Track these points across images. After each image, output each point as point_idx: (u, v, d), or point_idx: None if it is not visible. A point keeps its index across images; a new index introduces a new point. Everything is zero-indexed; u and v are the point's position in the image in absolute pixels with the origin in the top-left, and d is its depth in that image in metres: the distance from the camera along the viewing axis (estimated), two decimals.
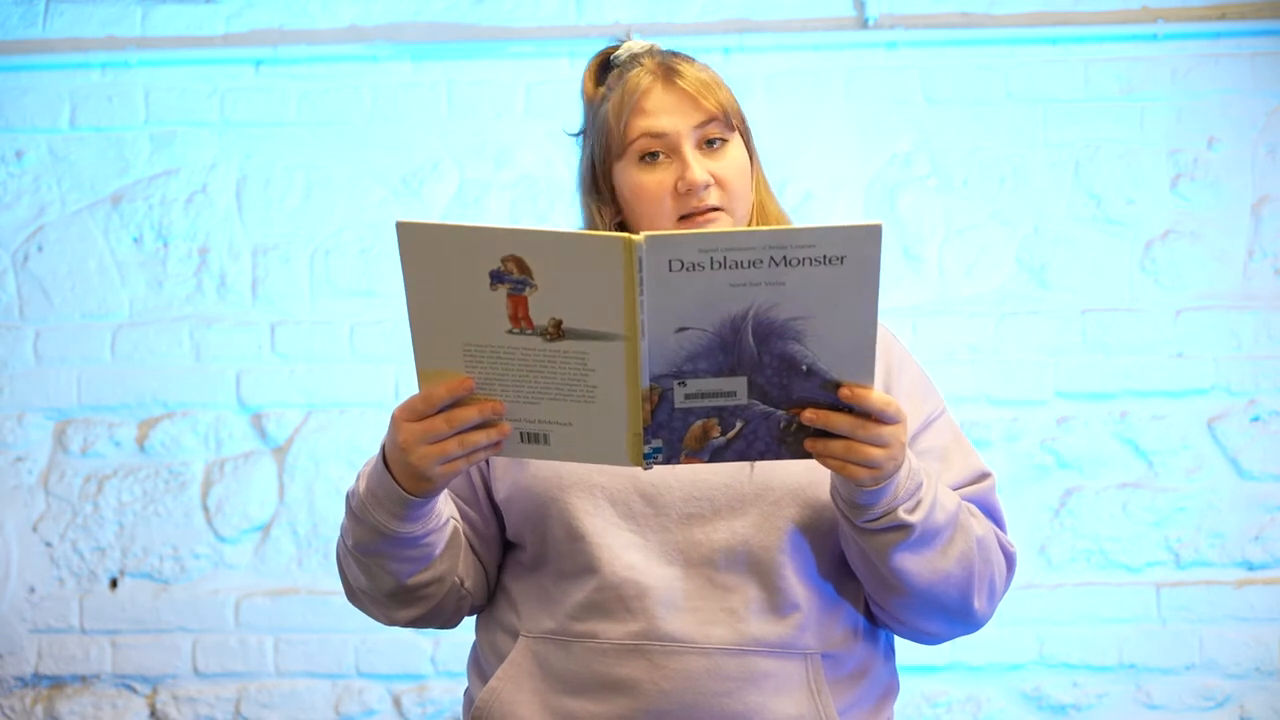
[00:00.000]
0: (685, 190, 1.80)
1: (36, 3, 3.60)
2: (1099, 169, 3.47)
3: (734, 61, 3.47)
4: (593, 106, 1.89)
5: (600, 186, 1.88)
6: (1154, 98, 3.47)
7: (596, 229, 1.87)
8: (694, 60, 1.88)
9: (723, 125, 1.83)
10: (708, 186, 1.81)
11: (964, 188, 3.48)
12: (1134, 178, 3.46)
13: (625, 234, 1.49)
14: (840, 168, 3.48)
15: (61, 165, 3.58)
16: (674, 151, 1.81)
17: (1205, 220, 3.46)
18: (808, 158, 3.44)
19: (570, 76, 3.52)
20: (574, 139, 1.95)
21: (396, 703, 3.47)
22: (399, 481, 1.67)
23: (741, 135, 1.87)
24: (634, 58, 1.88)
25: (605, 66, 1.91)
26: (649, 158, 1.82)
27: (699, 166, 1.80)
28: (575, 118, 3.47)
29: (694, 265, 1.50)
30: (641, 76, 1.84)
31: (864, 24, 3.50)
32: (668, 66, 1.84)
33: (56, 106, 3.58)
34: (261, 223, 3.55)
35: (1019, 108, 3.48)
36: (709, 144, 1.83)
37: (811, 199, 3.45)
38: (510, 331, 1.54)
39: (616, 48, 1.91)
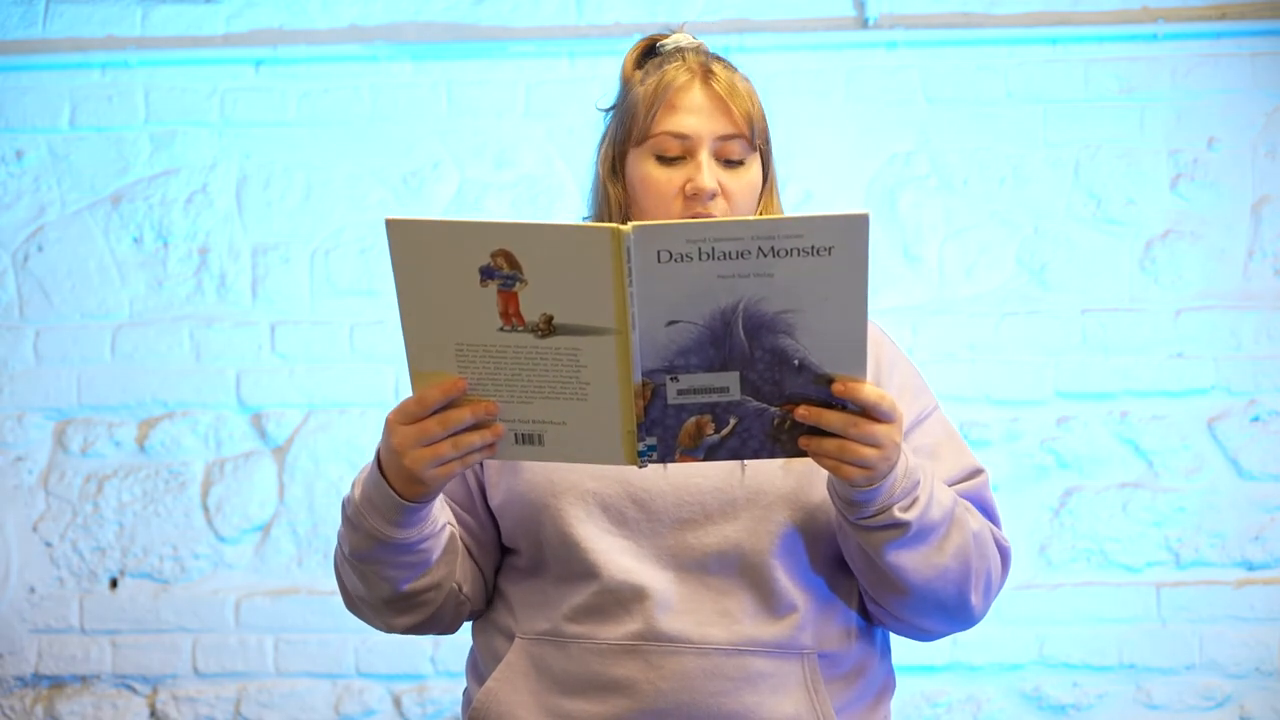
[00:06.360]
0: (691, 194, 1.80)
1: (36, 3, 3.60)
2: (1099, 169, 3.46)
3: (734, 62, 3.47)
4: (627, 87, 1.90)
5: (617, 168, 1.89)
6: (1154, 98, 3.47)
7: (609, 208, 1.88)
8: (735, 69, 1.90)
9: (744, 145, 1.84)
10: (714, 196, 1.81)
11: (964, 188, 3.48)
12: (1134, 178, 3.46)
13: (613, 225, 1.49)
14: (840, 168, 3.48)
15: (61, 165, 3.58)
16: (691, 154, 1.82)
17: (1205, 220, 3.45)
18: (808, 158, 3.44)
19: (570, 76, 3.52)
20: (601, 113, 1.95)
21: (396, 703, 3.47)
22: (394, 486, 1.67)
23: (762, 155, 1.88)
24: (678, 50, 1.89)
25: (650, 52, 1.92)
26: (666, 157, 1.83)
27: (710, 174, 1.81)
28: (575, 118, 3.51)
29: (682, 256, 1.50)
30: (680, 72, 1.85)
31: (864, 24, 3.50)
32: (706, 68, 1.86)
33: (56, 106, 3.58)
34: (261, 223, 3.55)
35: (1019, 108, 3.48)
36: (726, 163, 1.83)
37: (811, 199, 3.45)
38: (502, 329, 1.54)
39: (665, 36, 1.92)
